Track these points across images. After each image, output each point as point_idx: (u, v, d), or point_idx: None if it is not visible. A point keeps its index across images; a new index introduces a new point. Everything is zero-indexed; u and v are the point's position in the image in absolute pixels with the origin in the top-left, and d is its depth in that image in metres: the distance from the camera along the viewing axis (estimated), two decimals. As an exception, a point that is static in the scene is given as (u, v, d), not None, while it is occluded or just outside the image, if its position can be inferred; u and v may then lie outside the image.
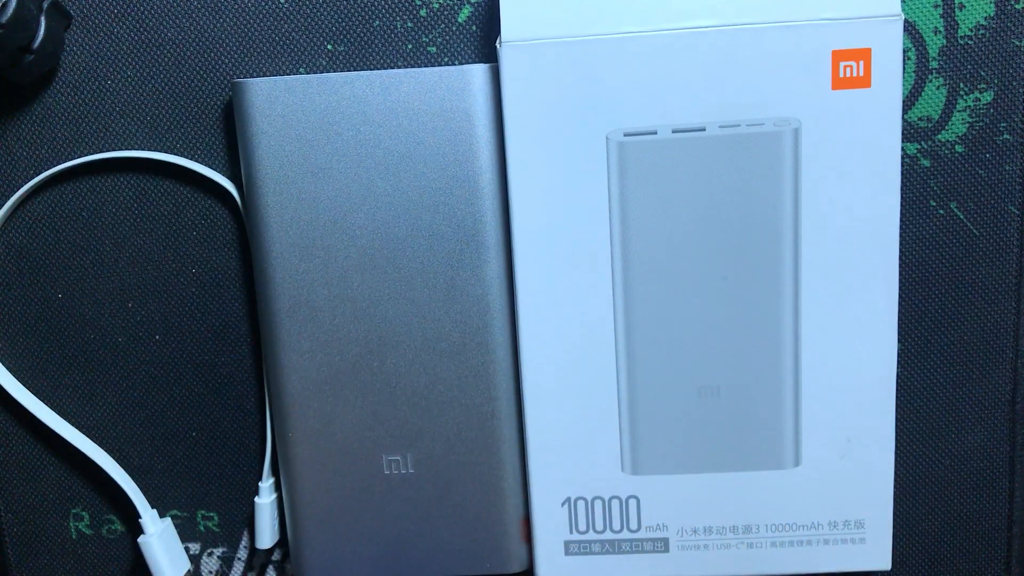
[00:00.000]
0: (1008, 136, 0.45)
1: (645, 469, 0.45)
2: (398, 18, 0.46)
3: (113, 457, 0.50)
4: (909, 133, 0.46)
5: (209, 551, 0.51)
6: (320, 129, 0.44)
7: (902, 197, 0.45)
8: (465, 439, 0.46)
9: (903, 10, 0.43)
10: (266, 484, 0.48)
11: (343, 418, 0.46)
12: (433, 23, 0.46)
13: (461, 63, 0.46)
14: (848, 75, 0.41)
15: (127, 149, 0.47)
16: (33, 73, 0.44)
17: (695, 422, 0.45)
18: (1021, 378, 0.47)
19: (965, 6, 0.44)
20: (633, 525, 0.46)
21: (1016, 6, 0.44)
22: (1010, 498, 0.48)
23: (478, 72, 0.43)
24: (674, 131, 0.42)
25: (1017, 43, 0.45)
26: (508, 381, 0.46)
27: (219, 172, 0.47)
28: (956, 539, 0.49)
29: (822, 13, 0.41)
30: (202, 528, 0.51)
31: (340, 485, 0.47)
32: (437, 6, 0.45)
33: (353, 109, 0.44)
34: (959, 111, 0.45)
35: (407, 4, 0.45)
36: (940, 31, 0.45)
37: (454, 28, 0.46)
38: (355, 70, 0.46)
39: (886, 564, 0.46)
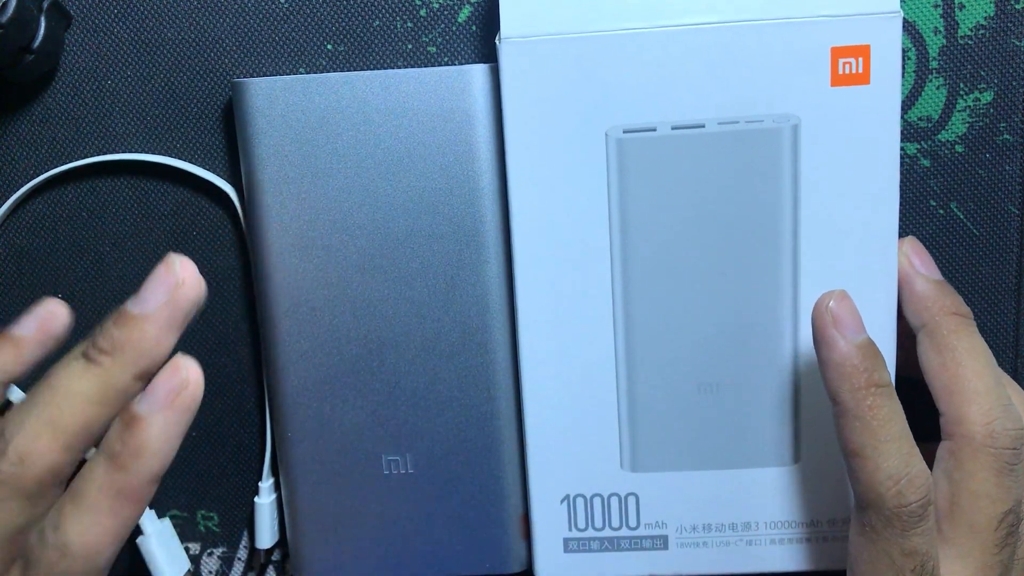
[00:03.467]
0: (1008, 136, 0.45)
1: (644, 466, 0.45)
2: (398, 18, 0.46)
3: (113, 457, 0.49)
4: (909, 133, 0.46)
5: (209, 551, 0.51)
6: (320, 129, 0.44)
7: (902, 197, 0.45)
8: (465, 439, 0.46)
9: (903, 10, 0.43)
10: (266, 484, 0.48)
11: (343, 418, 0.46)
12: (433, 23, 0.46)
13: (461, 63, 0.46)
14: (847, 72, 0.41)
15: (127, 149, 0.47)
16: (33, 73, 0.45)
17: (694, 419, 0.45)
18: (1021, 378, 0.47)
19: (965, 6, 0.45)
20: (632, 522, 0.46)
21: (1016, 6, 0.44)
22: (1011, 498, 0.48)
23: (478, 72, 0.43)
24: (673, 128, 0.42)
25: (1017, 43, 0.45)
26: (508, 381, 0.46)
27: (218, 173, 0.47)
28: (957, 540, 0.49)
29: (821, 10, 0.41)
30: (202, 528, 0.51)
31: (340, 485, 0.47)
32: (437, 6, 0.45)
33: (353, 109, 0.44)
34: (959, 111, 0.45)
35: (407, 4, 0.46)
36: (940, 31, 0.45)
37: (454, 28, 0.46)
38: (355, 70, 0.46)
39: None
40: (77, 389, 0.35)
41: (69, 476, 0.36)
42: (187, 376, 0.37)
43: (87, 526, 0.35)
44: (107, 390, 0.35)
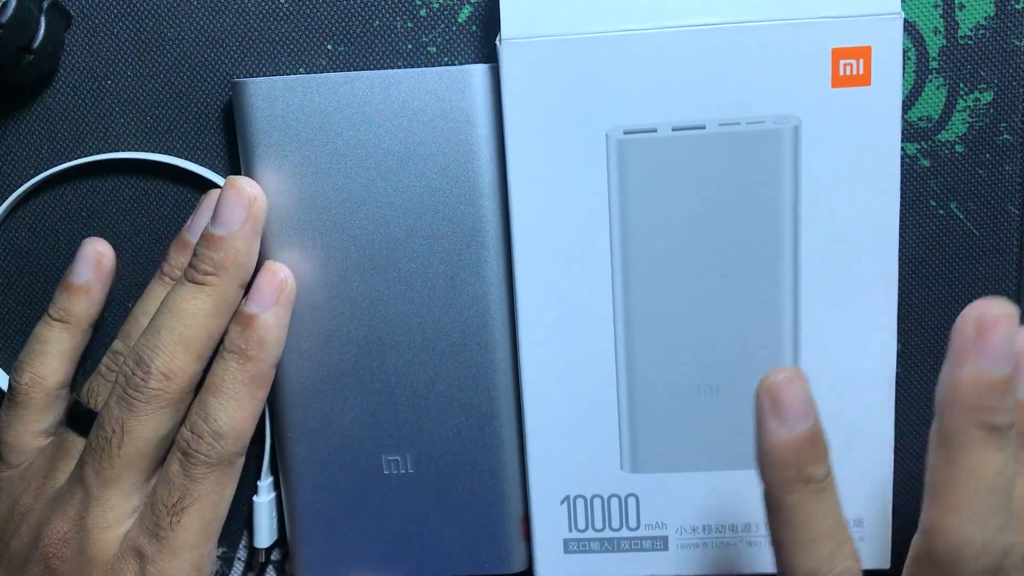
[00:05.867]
0: (1008, 136, 0.45)
1: (644, 467, 0.45)
2: (398, 18, 0.46)
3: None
4: (909, 133, 0.46)
5: (209, 551, 0.51)
6: (320, 129, 0.44)
7: (902, 197, 0.45)
8: (465, 439, 0.46)
9: (903, 10, 0.43)
10: (265, 483, 0.48)
11: (342, 418, 0.46)
12: (433, 23, 0.46)
13: (461, 63, 0.46)
14: (848, 73, 0.41)
15: (127, 149, 0.47)
16: (33, 73, 0.44)
17: (694, 420, 0.45)
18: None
19: (965, 6, 0.44)
20: (632, 523, 0.46)
21: (1016, 6, 0.44)
22: (1010, 498, 0.48)
23: (478, 72, 0.43)
24: (674, 129, 0.42)
25: (1017, 43, 0.45)
26: (508, 381, 0.46)
27: (218, 173, 0.47)
28: (957, 540, 0.49)
29: (822, 11, 0.41)
30: (202, 528, 0.51)
31: (339, 485, 0.47)
32: (437, 6, 0.45)
33: (353, 109, 0.44)
34: (959, 111, 0.45)
35: (407, 4, 0.46)
36: (940, 31, 0.45)
37: (454, 28, 0.46)
38: (355, 70, 0.46)
39: (885, 563, 0.46)
40: (196, 308, 0.42)
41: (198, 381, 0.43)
42: (284, 276, 0.44)
43: (233, 412, 0.42)
44: (220, 303, 0.42)
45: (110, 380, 0.43)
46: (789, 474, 0.35)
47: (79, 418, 0.44)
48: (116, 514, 0.42)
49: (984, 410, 0.34)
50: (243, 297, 0.44)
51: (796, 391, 0.35)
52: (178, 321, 0.42)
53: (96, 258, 0.46)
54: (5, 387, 0.49)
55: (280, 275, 0.44)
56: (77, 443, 0.43)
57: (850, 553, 0.36)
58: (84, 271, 0.45)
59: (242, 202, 0.43)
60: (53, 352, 0.45)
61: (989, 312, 0.35)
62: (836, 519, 0.36)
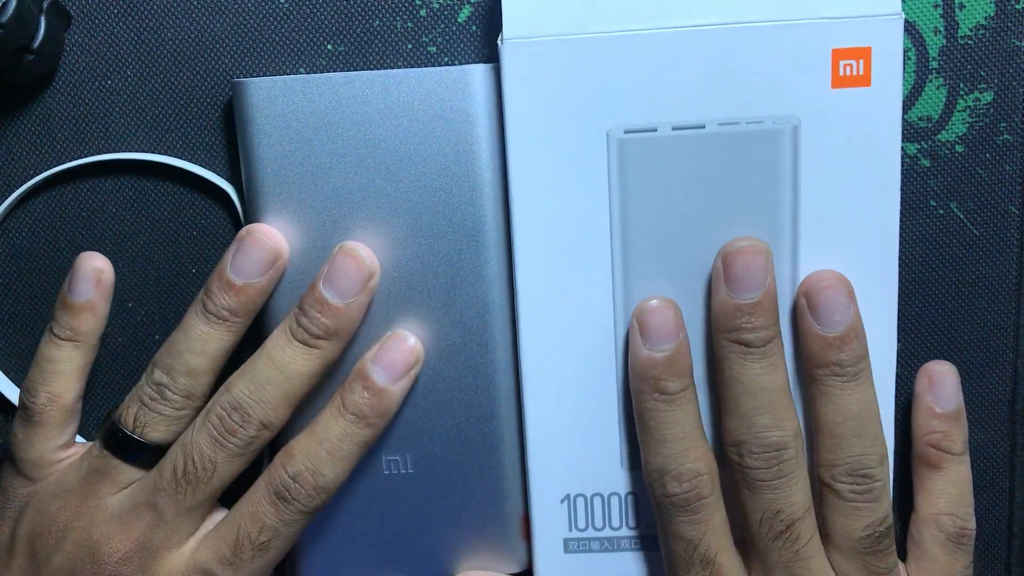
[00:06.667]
0: (1008, 136, 0.45)
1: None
2: (398, 18, 0.46)
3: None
4: (909, 133, 0.46)
5: (209, 551, 0.51)
6: (320, 129, 0.44)
7: (902, 197, 0.45)
8: (465, 439, 0.46)
9: (903, 10, 0.43)
10: (266, 484, 0.48)
11: (343, 418, 0.46)
12: (433, 23, 0.46)
13: (461, 63, 0.46)
14: (848, 74, 0.41)
15: (127, 149, 0.47)
16: (33, 73, 0.44)
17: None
18: (1021, 378, 0.47)
19: (965, 6, 0.45)
20: (632, 522, 0.46)
21: (1016, 6, 0.44)
22: (1010, 498, 0.48)
23: (478, 72, 0.43)
24: (674, 128, 0.42)
25: (1017, 43, 0.45)
26: (508, 381, 0.46)
27: (218, 173, 0.47)
28: (956, 539, 0.49)
29: (823, 12, 0.41)
30: (202, 528, 0.51)
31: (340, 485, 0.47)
32: (437, 6, 0.45)
33: (353, 109, 0.44)
34: (959, 111, 0.45)
35: (407, 4, 0.46)
36: (940, 31, 0.45)
37: (454, 28, 0.46)
38: (355, 70, 0.46)
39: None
40: (305, 370, 0.43)
41: None
42: (416, 348, 0.45)
43: (341, 471, 0.43)
44: (327, 364, 0.44)
45: (156, 412, 0.44)
46: (647, 385, 0.42)
47: (120, 443, 0.44)
48: (181, 536, 0.44)
49: (733, 329, 0.41)
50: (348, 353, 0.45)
51: (662, 317, 0.42)
52: (284, 379, 0.43)
53: (96, 275, 0.45)
54: (6, 393, 0.49)
55: (417, 351, 0.45)
56: (120, 467, 0.44)
57: (698, 457, 0.42)
58: (85, 289, 0.45)
59: (362, 275, 0.43)
60: (66, 371, 0.45)
61: (733, 246, 0.42)
62: (687, 427, 0.42)
